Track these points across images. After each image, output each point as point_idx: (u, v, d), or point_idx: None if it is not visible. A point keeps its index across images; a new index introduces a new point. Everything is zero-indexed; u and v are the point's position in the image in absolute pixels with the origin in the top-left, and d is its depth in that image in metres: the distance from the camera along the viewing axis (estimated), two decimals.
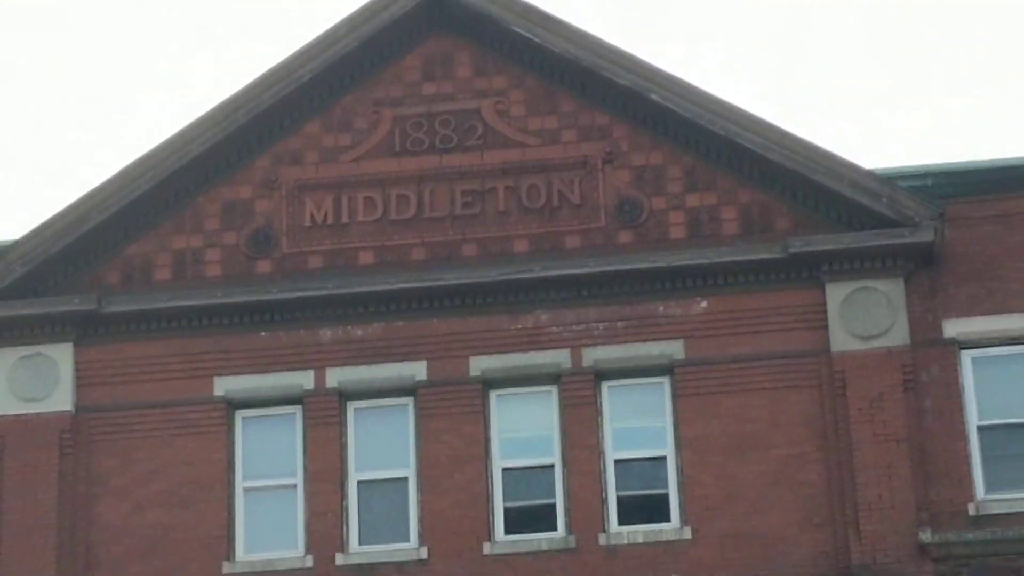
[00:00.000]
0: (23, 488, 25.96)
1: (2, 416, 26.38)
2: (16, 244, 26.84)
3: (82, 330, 26.41)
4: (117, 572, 25.71)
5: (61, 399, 26.17)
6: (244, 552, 26.16)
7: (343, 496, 26.22)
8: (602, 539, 25.49)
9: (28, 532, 25.69)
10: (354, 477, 26.19)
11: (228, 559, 25.86)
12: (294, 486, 26.26)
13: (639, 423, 26.22)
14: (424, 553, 25.73)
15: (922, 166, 27.05)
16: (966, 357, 25.72)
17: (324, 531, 26.12)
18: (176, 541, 25.86)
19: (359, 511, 26.25)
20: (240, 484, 26.22)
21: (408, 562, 25.78)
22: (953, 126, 60.03)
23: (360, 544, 26.08)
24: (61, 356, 26.30)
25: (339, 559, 25.88)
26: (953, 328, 25.66)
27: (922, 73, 59.55)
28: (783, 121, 26.96)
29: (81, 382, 26.33)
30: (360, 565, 25.86)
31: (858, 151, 53.32)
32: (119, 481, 26.06)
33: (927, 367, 25.68)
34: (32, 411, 26.14)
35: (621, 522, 25.67)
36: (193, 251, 26.89)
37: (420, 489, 26.10)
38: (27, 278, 26.67)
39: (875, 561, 24.66)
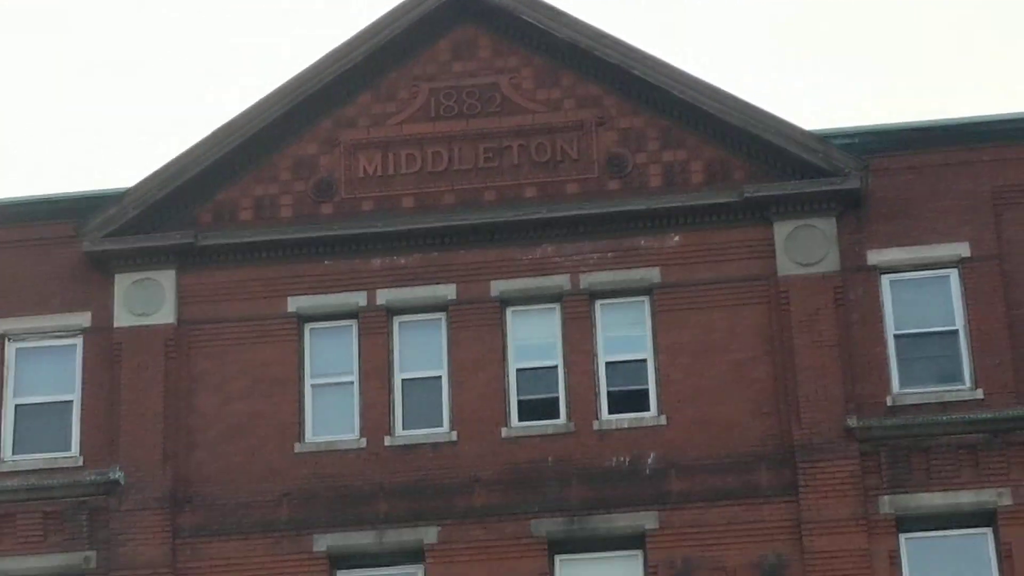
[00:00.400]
0: (137, 385, 26.20)
1: (119, 328, 26.51)
2: (129, 191, 27.03)
3: (182, 259, 26.70)
4: (211, 451, 26.05)
5: (166, 314, 26.48)
6: (311, 435, 26.35)
7: (390, 391, 26.39)
8: (595, 425, 25.76)
9: (141, 419, 25.96)
10: (398, 376, 26.38)
11: (299, 440, 26.03)
12: (351, 383, 26.46)
13: (624, 333, 26.40)
14: (454, 436, 25.96)
15: (851, 127, 27.31)
16: (885, 280, 25.94)
17: (375, 419, 26.31)
18: (258, 426, 26.19)
19: (402, 403, 26.41)
20: (308, 381, 26.43)
21: (441, 443, 26.02)
22: (876, 91, 60.95)
23: (403, 429, 26.30)
24: (166, 280, 26.59)
25: (387, 441, 26.00)
26: (875, 257, 25.93)
27: (850, 45, 60.91)
28: (739, 90, 27.24)
29: (181, 301, 26.63)
30: (403, 446, 25.98)
31: (798, 113, 53.90)
32: (212, 379, 26.42)
33: (854, 288, 25.95)
34: (143, 323, 26.47)
35: (611, 411, 25.86)
36: (270, 197, 27.13)
37: (451, 385, 26.27)
38: (139, 218, 26.92)
39: (812, 442, 24.87)
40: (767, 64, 60.97)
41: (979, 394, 25.27)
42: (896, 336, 25.80)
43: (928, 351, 25.85)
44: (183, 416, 26.26)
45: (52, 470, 25.90)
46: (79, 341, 26.71)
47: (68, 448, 26.20)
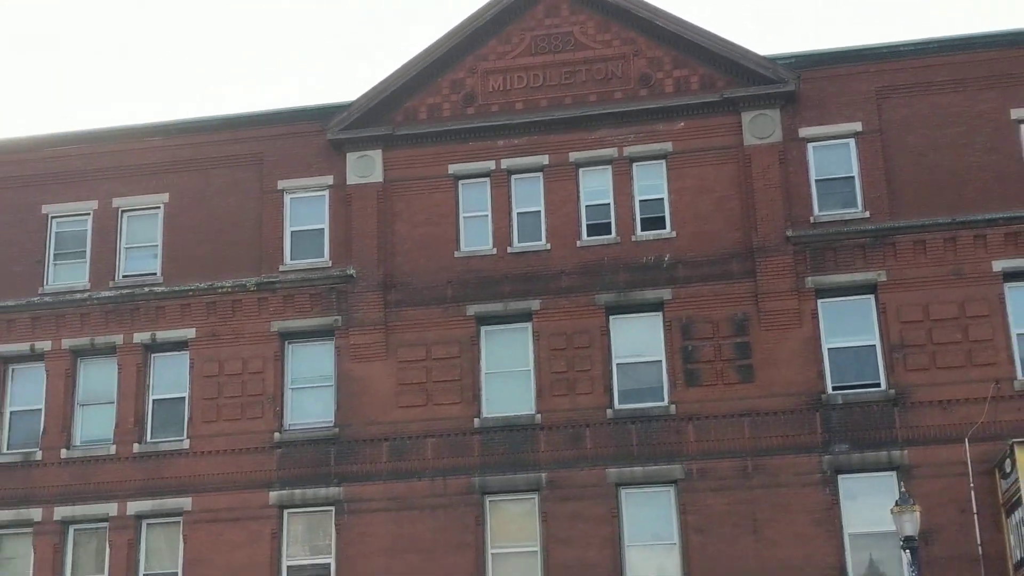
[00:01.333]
0: (362, 218, 26.38)
1: (350, 185, 26.66)
2: (353, 103, 27.12)
3: (386, 143, 26.94)
4: (405, 256, 26.32)
5: (377, 176, 26.83)
6: (464, 247, 26.23)
7: (510, 220, 26.31)
8: (633, 238, 25.71)
9: (364, 238, 26.17)
10: (515, 210, 26.35)
11: (457, 250, 26.17)
12: (486, 215, 26.40)
13: (651, 182, 26.29)
14: (548, 246, 25.95)
15: (789, 53, 26.76)
16: (810, 147, 26.04)
17: (502, 236, 26.23)
18: (433, 241, 26.19)
19: (518, 226, 26.38)
20: (462, 215, 26.41)
21: (541, 250, 26.02)
22: (806, 21, 59.79)
23: (519, 242, 26.23)
24: (376, 156, 26.84)
25: (508, 249, 26.04)
26: (803, 132, 26.01)
27: None
28: (719, 27, 27.43)
29: (386, 168, 26.81)
30: (519, 252, 25.99)
31: (757, 41, 54.14)
32: (404, 214, 26.59)
33: (791, 152, 25.93)
34: (364, 182, 26.80)
35: (642, 229, 25.84)
36: (436, 104, 27.22)
37: (546, 216, 26.16)
38: (359, 119, 26.99)
39: (764, 245, 25.19)
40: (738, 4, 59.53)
41: (866, 214, 25.36)
42: (817, 180, 25.79)
43: (837, 188, 25.68)
44: (388, 236, 26.62)
45: (313, 269, 26.55)
46: (327, 193, 27.00)
47: (322, 255, 26.77)
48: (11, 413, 26.81)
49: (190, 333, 26.70)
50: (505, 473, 24.83)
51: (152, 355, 26.91)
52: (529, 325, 25.90)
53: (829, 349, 24.93)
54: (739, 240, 25.67)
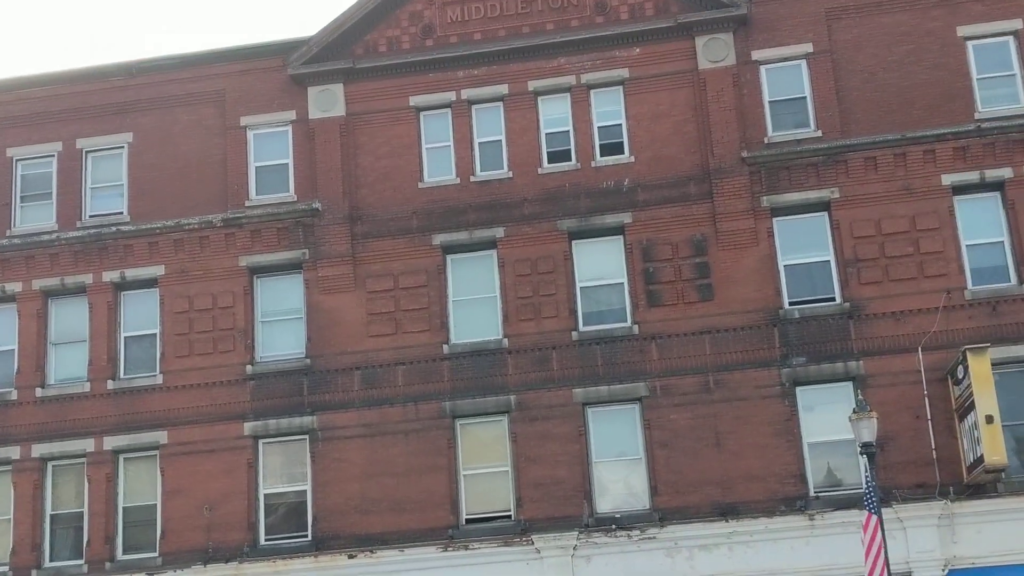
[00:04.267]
0: (327, 151, 26.16)
1: (312, 119, 26.51)
2: (312, 37, 26.88)
3: (347, 77, 26.79)
4: (371, 189, 26.24)
5: (339, 110, 26.69)
6: (428, 178, 26.16)
7: (472, 149, 26.23)
8: (592, 164, 25.81)
9: (329, 172, 26.26)
10: (477, 140, 26.25)
11: (421, 181, 25.93)
12: (448, 146, 26.33)
13: (609, 108, 26.31)
14: (511, 174, 25.90)
15: None
16: (762, 69, 26.13)
17: (464, 165, 26.25)
18: (396, 173, 26.07)
19: (479, 155, 26.34)
20: (424, 146, 26.31)
21: (504, 179, 26.01)
22: None
23: (481, 171, 26.24)
24: (338, 90, 26.72)
25: (471, 178, 26.07)
26: (756, 55, 26.09)
27: None
28: None
29: (348, 101, 26.69)
30: (482, 181, 26.01)
31: None
32: (368, 147, 26.53)
33: (744, 75, 25.99)
34: (326, 116, 26.61)
35: (601, 155, 25.96)
36: (396, 36, 27.04)
37: (507, 144, 26.05)
38: (319, 53, 26.87)
39: (720, 167, 25.32)
40: None
41: (819, 133, 25.50)
42: (770, 101, 25.89)
43: (790, 109, 25.81)
44: (352, 169, 26.50)
45: (279, 204, 26.49)
46: (289, 128, 26.87)
47: (287, 190, 26.74)
48: None
49: (159, 270, 26.75)
50: (475, 397, 25.13)
51: (122, 293, 26.91)
52: (494, 253, 26.05)
53: (785, 266, 25.24)
54: (696, 163, 25.78)
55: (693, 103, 26.16)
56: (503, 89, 26.79)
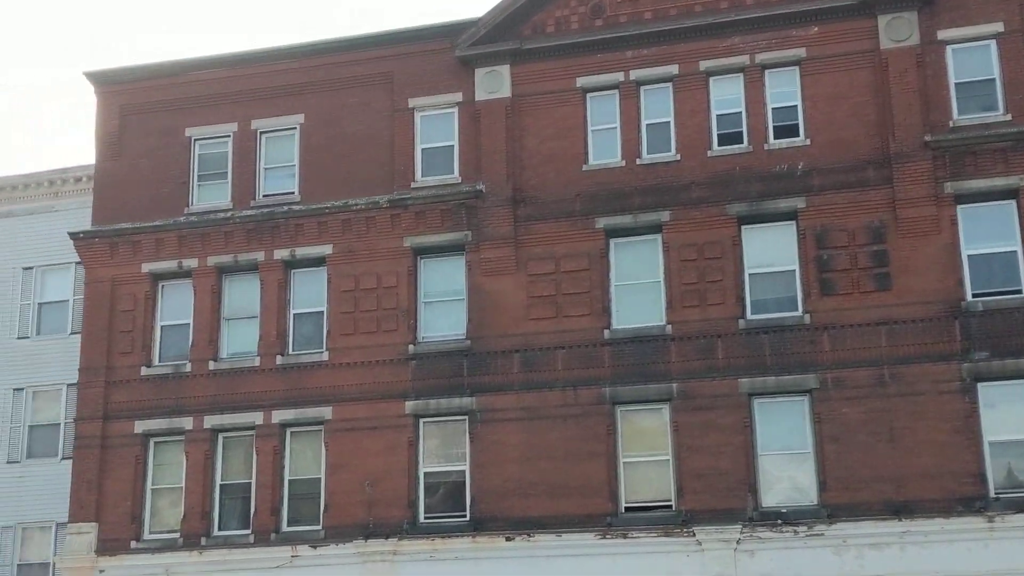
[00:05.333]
0: (491, 134, 26.76)
1: (478, 101, 26.89)
2: (480, 19, 27.26)
3: (513, 58, 27.03)
4: (534, 171, 26.51)
5: (505, 91, 26.97)
6: (592, 161, 26.24)
7: (639, 131, 26.12)
8: (765, 147, 25.40)
9: (493, 154, 26.63)
10: (644, 122, 26.14)
11: (585, 164, 26.20)
12: (615, 128, 26.36)
13: (784, 89, 25.81)
14: (678, 157, 25.76)
15: None
16: (948, 49, 25.19)
17: (631, 146, 26.21)
18: (561, 156, 26.42)
19: (646, 137, 26.34)
20: (590, 128, 26.41)
21: (671, 161, 25.90)
22: None
23: (647, 153, 26.14)
24: (504, 71, 27.04)
25: (637, 161, 25.97)
26: (942, 35, 25.16)
27: None
28: None
29: (514, 83, 26.93)
30: (648, 164, 25.93)
31: None
32: (533, 128, 26.78)
33: (929, 55, 24.97)
34: (492, 98, 26.92)
35: (775, 137, 25.44)
36: (564, 17, 27.19)
37: (676, 126, 25.96)
38: (486, 35, 27.20)
39: (902, 151, 24.48)
40: None
41: (1008, 117, 24.68)
42: (956, 83, 25.16)
43: (977, 91, 25.08)
44: (517, 151, 26.77)
45: (444, 185, 26.84)
46: (456, 110, 27.15)
47: (452, 172, 27.04)
48: (162, 327, 27.91)
49: (327, 250, 27.29)
50: (636, 383, 25.02)
51: (292, 271, 27.60)
52: (659, 237, 25.92)
53: (968, 256, 24.52)
54: (875, 147, 25.20)
55: (873, 85, 25.60)
56: (673, 70, 26.63)
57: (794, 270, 25.17)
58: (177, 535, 26.57)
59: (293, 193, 28.10)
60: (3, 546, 29.00)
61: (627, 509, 24.61)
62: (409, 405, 26.04)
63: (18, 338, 30.89)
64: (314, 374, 26.68)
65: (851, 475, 23.79)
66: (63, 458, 29.33)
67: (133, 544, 26.67)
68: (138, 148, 29.18)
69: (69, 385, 29.40)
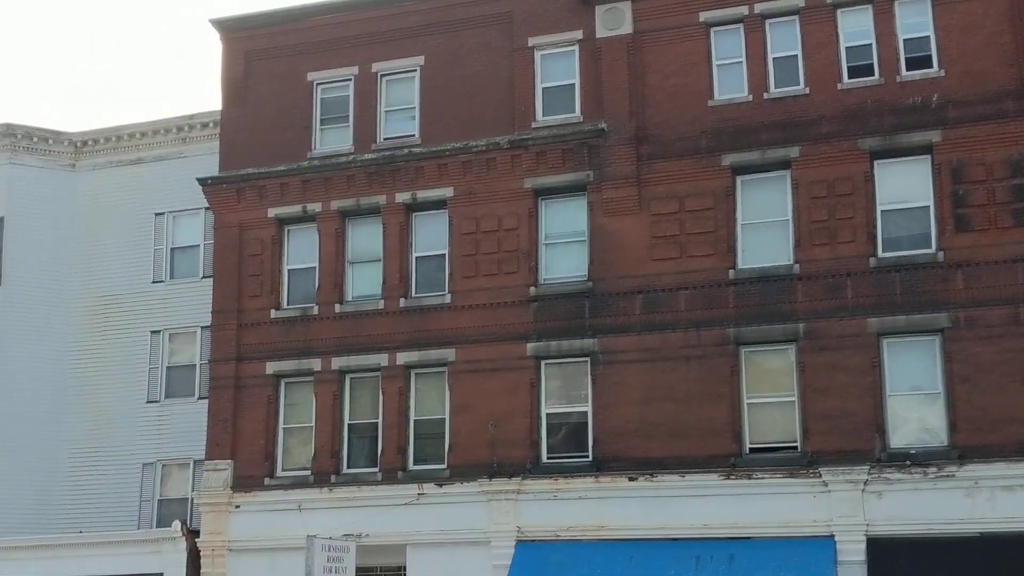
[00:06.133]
0: (613, 70, 26.67)
1: (599, 38, 26.86)
2: None
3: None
4: (657, 109, 26.40)
5: (626, 28, 26.86)
6: (718, 95, 26.05)
7: (766, 66, 25.93)
8: (897, 79, 24.94)
9: (616, 91, 26.47)
10: (771, 56, 25.97)
11: (710, 99, 25.82)
12: (741, 62, 26.22)
13: (913, 20, 25.39)
14: (807, 91, 25.44)
15: None
16: None
17: (757, 81, 26.05)
18: (686, 91, 26.25)
19: (774, 70, 26.11)
20: (715, 62, 26.18)
21: (799, 95, 25.59)
22: None
23: (775, 87, 25.96)
24: (625, 7, 26.79)
25: (764, 95, 25.78)
26: None
27: None
28: None
29: (635, 20, 26.86)
30: (775, 99, 25.71)
31: None
32: (655, 65, 26.49)
33: None
34: (613, 35, 26.91)
35: (907, 69, 25.02)
36: None
37: (803, 60, 25.64)
38: None
39: None
40: None
41: None
42: None
43: None
44: (639, 89, 26.59)
45: (565, 125, 26.80)
46: (576, 48, 27.21)
47: (573, 111, 26.94)
48: (289, 271, 28.54)
49: (448, 192, 27.56)
50: (761, 324, 24.93)
51: (413, 214, 27.93)
52: (787, 174, 25.55)
53: None
54: (1014, 77, 24.46)
55: (1010, 13, 24.84)
56: (799, 2, 26.15)
57: (928, 206, 24.74)
58: (308, 472, 27.28)
59: (413, 136, 28.35)
60: (145, 482, 30.15)
61: (751, 450, 24.61)
62: (531, 347, 26.29)
63: (153, 282, 31.61)
64: (437, 316, 27.11)
65: (983, 416, 23.38)
66: (199, 398, 30.09)
67: (267, 481, 27.50)
68: (262, 94, 29.70)
69: (203, 328, 29.97)
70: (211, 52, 78.39)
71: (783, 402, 24.75)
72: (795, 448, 24.39)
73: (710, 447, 24.68)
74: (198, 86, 74.07)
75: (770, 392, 24.87)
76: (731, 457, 24.50)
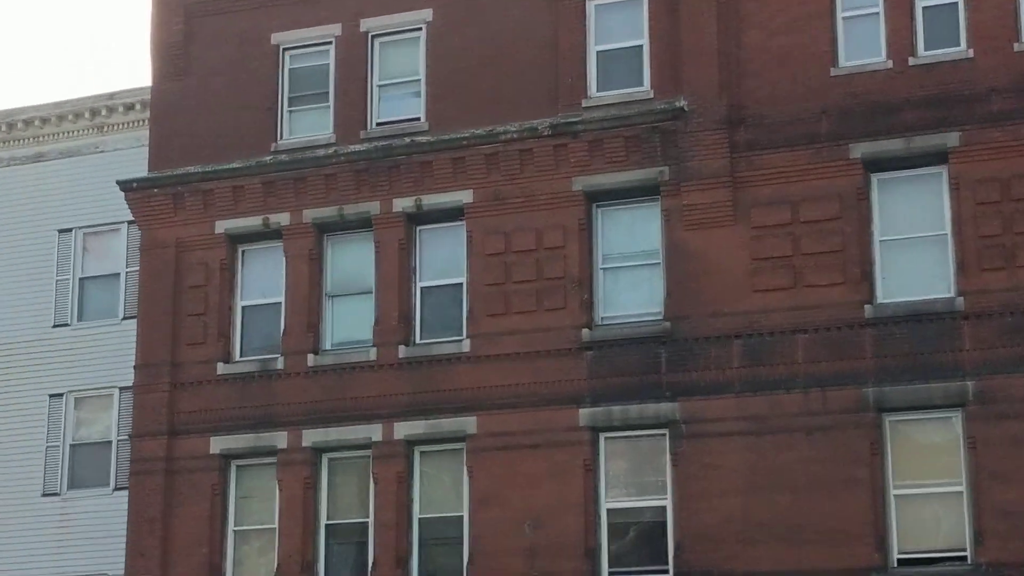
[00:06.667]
0: (696, 26, 25.74)
1: None
2: None
3: None
4: (759, 79, 25.15)
5: None
6: (844, 60, 25.04)
7: (913, 18, 25.12)
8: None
9: (699, 56, 25.53)
10: (921, 7, 25.14)
11: (834, 65, 24.87)
12: (877, 13, 25.45)
13: None
14: (971, 53, 24.42)
15: None
16: None
17: (899, 42, 25.19)
18: (798, 55, 25.24)
19: (923, 28, 25.02)
20: (840, 14, 25.36)
21: (960, 60, 24.68)
22: None
23: (924, 50, 24.88)
24: None
25: (911, 61, 24.95)
26: None
27: None
28: None
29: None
30: (926, 64, 24.69)
31: None
32: (757, 18, 25.66)
33: None
34: None
35: None
36: None
37: (966, 6, 24.76)
38: None
39: None
40: None
41: None
42: None
43: None
44: (733, 51, 25.01)
45: (629, 102, 25.30)
46: None
47: (641, 84, 25.63)
48: (243, 309, 27.25)
49: (466, 197, 26.21)
50: (912, 382, 23.38)
51: (418, 228, 26.51)
52: (943, 170, 23.92)
53: None
54: None
55: None
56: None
57: None
58: None
59: (419, 119, 26.98)
60: None
61: (900, 562, 23.16)
62: (584, 414, 24.80)
63: (54, 326, 30.47)
64: (451, 371, 25.73)
65: None
66: (116, 488, 29.13)
67: None
68: (209, 63, 28.45)
69: (122, 389, 29.10)
70: (141, 10, 75.46)
71: (946, 493, 23.39)
72: (964, 559, 22.79)
73: (842, 557, 23.15)
74: (120, 57, 70.70)
75: (927, 479, 23.52)
76: (872, 572, 22.86)
